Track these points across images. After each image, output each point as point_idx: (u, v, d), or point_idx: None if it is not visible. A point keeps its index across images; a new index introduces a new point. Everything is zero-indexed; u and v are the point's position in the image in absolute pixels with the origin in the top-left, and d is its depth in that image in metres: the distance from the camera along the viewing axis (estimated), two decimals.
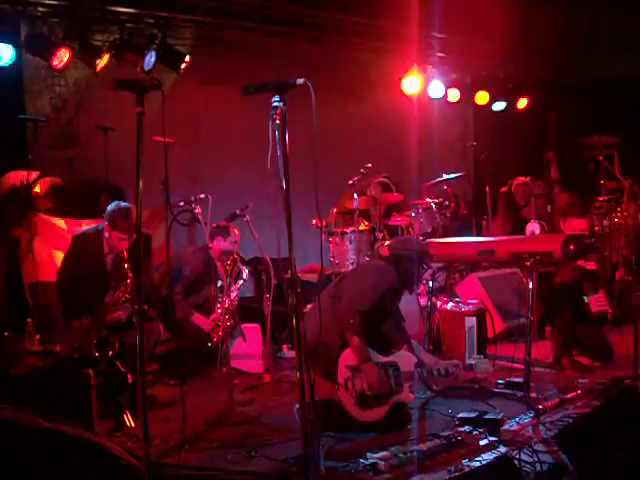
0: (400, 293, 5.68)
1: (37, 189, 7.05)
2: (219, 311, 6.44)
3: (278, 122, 3.54)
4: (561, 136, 11.17)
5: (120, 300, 5.73)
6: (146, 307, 5.57)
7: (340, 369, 5.16)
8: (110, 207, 5.89)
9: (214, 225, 6.76)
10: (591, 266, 6.55)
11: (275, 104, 3.55)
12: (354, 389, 5.11)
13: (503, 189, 10.15)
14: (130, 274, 5.54)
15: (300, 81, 3.50)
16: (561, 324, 6.58)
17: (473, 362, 5.51)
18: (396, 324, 5.59)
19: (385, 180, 8.54)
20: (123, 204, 5.91)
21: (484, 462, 4.37)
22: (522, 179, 10.03)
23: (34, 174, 6.97)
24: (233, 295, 6.55)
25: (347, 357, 5.17)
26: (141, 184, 3.25)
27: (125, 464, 3.46)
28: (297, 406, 5.05)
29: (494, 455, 4.49)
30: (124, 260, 5.73)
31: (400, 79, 10.42)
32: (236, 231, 7.02)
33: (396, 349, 5.40)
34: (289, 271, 3.65)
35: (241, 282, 6.70)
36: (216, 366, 6.84)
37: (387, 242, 6.09)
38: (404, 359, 5.35)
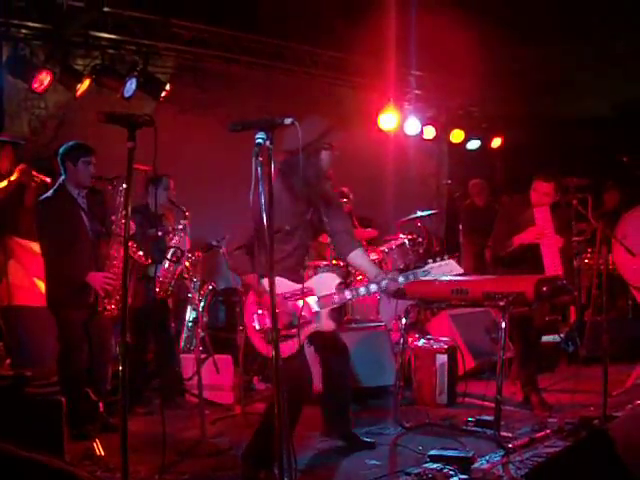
0: (308, 186, 5.13)
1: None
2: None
3: (261, 159, 3.52)
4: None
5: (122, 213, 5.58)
6: None
7: (246, 312, 4.83)
8: (62, 150, 5.86)
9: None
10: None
11: (259, 141, 3.53)
12: (261, 326, 4.75)
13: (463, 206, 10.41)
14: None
15: (288, 121, 3.52)
16: (529, 360, 6.61)
17: (433, 265, 4.98)
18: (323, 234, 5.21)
19: (345, 190, 8.54)
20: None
21: None
22: (474, 180, 10.34)
23: None
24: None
25: (250, 298, 4.83)
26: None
27: None
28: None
29: None
30: (102, 183, 5.73)
31: (377, 115, 10.54)
32: (171, 182, 7.16)
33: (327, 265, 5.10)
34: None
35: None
36: (185, 396, 6.85)
37: None
38: (323, 282, 4.86)
